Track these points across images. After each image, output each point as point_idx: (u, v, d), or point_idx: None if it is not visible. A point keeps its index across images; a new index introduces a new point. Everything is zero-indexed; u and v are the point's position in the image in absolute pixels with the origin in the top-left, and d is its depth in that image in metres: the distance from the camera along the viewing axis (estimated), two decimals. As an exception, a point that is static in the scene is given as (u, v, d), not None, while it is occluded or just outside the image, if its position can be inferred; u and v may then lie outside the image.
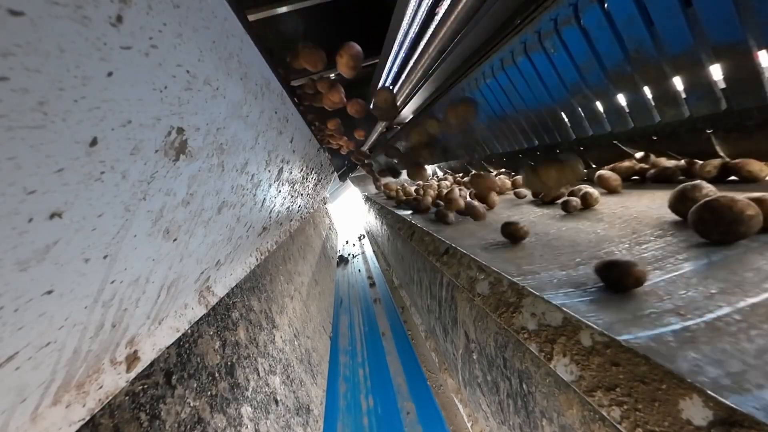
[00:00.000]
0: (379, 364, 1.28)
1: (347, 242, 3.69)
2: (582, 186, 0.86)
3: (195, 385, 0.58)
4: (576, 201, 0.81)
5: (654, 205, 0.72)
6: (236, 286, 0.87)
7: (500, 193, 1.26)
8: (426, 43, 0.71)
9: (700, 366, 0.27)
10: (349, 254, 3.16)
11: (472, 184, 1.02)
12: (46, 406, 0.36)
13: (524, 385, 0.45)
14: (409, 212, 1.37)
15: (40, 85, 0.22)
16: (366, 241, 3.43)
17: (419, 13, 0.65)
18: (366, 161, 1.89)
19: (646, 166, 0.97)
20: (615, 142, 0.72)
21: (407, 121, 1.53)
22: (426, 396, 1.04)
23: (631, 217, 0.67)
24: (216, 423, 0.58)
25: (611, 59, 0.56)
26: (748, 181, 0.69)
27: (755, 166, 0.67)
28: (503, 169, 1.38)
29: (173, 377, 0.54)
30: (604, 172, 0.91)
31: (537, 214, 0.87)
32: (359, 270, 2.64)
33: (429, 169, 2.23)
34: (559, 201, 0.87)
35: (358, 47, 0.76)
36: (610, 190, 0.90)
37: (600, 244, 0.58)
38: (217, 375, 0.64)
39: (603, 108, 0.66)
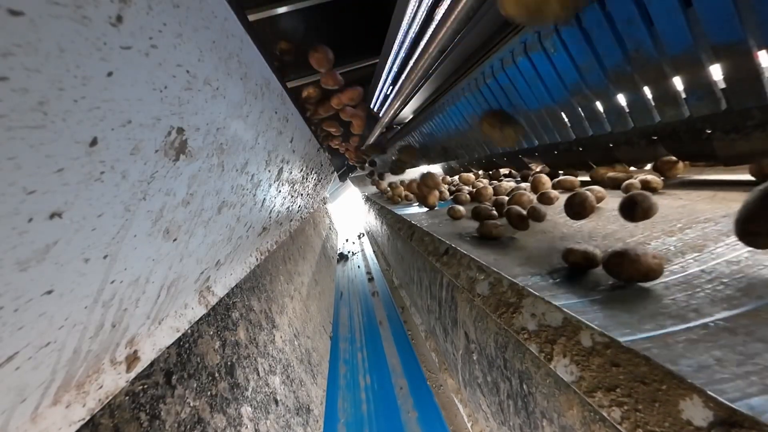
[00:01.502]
0: (376, 348, 1.40)
1: (347, 240, 3.77)
2: (635, 173, 0.82)
3: (195, 385, 0.58)
4: (636, 183, 0.79)
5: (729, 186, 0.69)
6: (236, 286, 0.87)
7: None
8: (426, 43, 0.70)
9: None
10: (348, 252, 3.23)
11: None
12: (46, 406, 0.36)
13: (524, 386, 0.45)
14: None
15: (40, 85, 0.22)
16: (365, 240, 3.47)
17: (419, 13, 0.65)
18: (367, 161, 1.90)
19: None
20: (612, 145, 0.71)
21: (407, 120, 1.53)
22: (417, 375, 1.16)
23: (712, 195, 0.64)
24: (216, 423, 0.58)
25: (611, 59, 0.56)
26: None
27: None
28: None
29: (173, 377, 0.54)
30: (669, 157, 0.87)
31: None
32: (358, 266, 2.73)
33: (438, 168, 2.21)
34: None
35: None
36: (671, 176, 0.87)
37: (695, 214, 0.55)
38: (217, 375, 0.64)
39: (603, 108, 0.66)
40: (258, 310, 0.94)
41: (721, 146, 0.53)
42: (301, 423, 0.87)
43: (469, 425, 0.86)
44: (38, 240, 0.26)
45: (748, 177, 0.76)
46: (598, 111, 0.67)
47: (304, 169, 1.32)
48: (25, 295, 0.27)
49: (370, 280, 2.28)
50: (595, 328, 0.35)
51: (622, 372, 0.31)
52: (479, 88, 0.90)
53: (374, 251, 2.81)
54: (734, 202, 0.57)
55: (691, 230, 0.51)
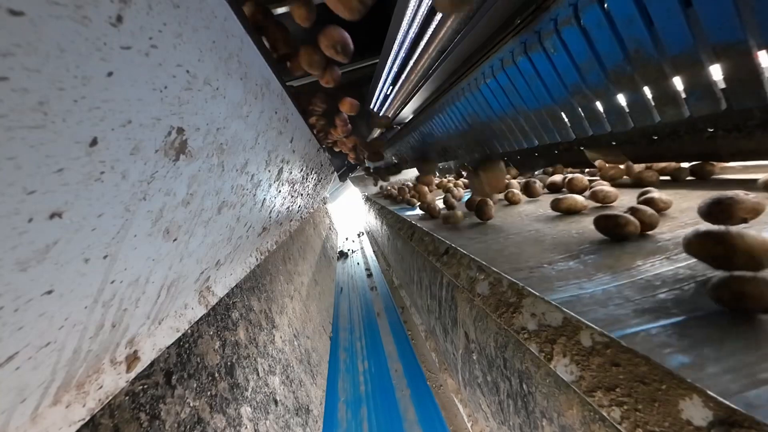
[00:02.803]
0: (374, 336, 1.52)
1: (347, 239, 3.87)
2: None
3: (195, 385, 0.58)
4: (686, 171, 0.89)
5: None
6: (236, 286, 0.87)
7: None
8: (426, 43, 0.70)
9: None
10: (348, 250, 3.32)
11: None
12: (46, 406, 0.36)
13: (524, 386, 0.45)
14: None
15: (40, 85, 0.22)
16: (364, 238, 3.54)
17: (419, 13, 0.65)
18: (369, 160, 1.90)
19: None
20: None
21: (407, 120, 1.53)
22: (410, 357, 1.27)
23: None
24: (216, 423, 0.58)
25: (611, 59, 0.56)
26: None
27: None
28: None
29: (173, 377, 0.54)
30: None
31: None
32: (358, 263, 2.84)
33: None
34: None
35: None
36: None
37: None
38: (216, 375, 0.64)
39: (603, 108, 0.66)
40: (258, 310, 0.94)
41: (723, 144, 0.52)
42: (301, 423, 0.87)
43: (469, 425, 0.86)
44: (38, 240, 0.26)
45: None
46: (598, 111, 0.67)
47: (304, 169, 1.32)
48: (25, 295, 0.27)
49: (369, 275, 2.38)
50: (595, 327, 0.35)
51: (622, 372, 0.31)
52: (479, 88, 0.90)
53: (374, 251, 2.85)
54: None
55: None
